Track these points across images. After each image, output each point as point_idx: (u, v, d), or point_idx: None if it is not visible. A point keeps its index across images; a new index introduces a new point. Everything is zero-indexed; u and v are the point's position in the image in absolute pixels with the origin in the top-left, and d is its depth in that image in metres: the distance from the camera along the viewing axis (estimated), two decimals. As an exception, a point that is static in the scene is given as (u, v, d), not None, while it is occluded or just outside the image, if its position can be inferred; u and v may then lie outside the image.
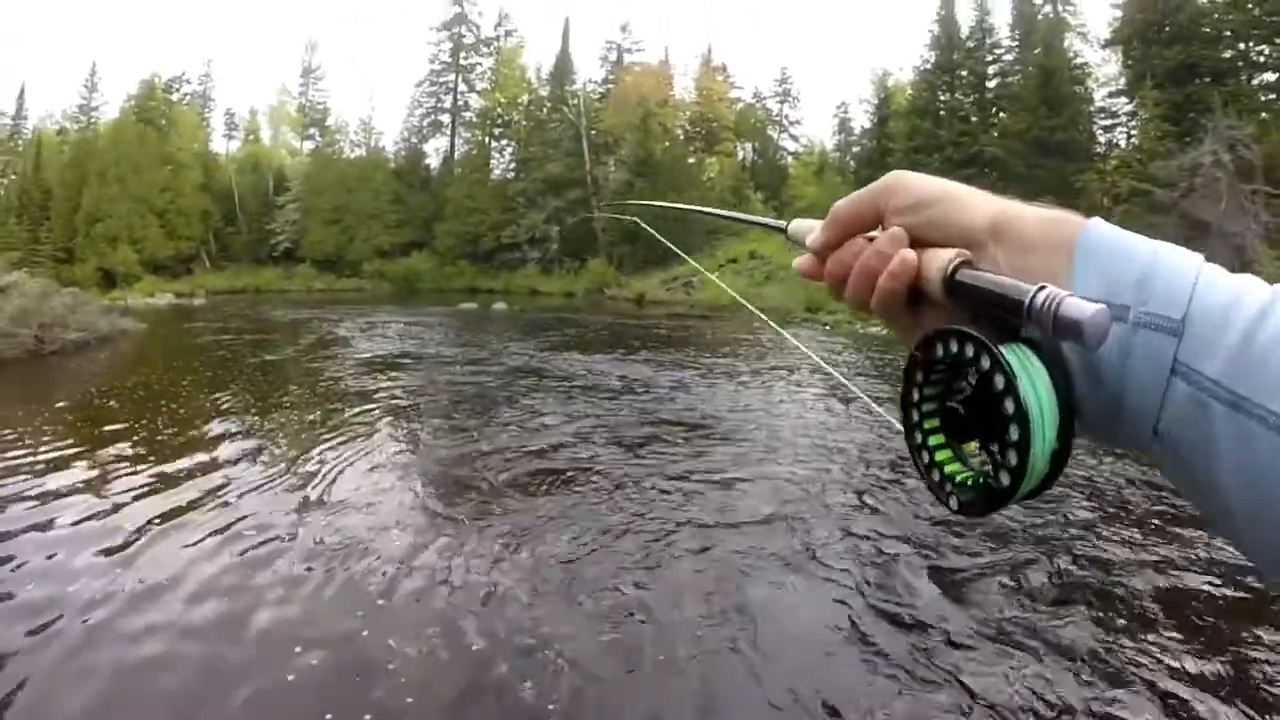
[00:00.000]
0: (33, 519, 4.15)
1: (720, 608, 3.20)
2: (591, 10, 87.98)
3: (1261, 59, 23.07)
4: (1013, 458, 0.36)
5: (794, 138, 49.09)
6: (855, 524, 4.19)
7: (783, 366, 10.34)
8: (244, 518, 4.17)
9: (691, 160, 42.53)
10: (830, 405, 7.57)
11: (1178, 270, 0.35)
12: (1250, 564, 0.35)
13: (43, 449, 5.59)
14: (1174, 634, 2.96)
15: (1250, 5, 22.42)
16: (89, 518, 4.17)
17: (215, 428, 6.50)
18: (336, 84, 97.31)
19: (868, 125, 38.53)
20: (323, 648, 2.82)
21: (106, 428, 6.42)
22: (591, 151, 40.67)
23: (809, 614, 3.20)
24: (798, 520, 4.22)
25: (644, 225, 1.57)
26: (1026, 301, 0.34)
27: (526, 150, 42.19)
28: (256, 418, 7.09)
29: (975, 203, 0.42)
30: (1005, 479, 0.37)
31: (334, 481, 4.87)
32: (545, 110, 44.05)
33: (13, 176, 44.61)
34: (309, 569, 3.50)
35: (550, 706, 2.52)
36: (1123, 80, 27.85)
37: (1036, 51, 29.23)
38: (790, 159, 47.62)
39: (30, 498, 4.50)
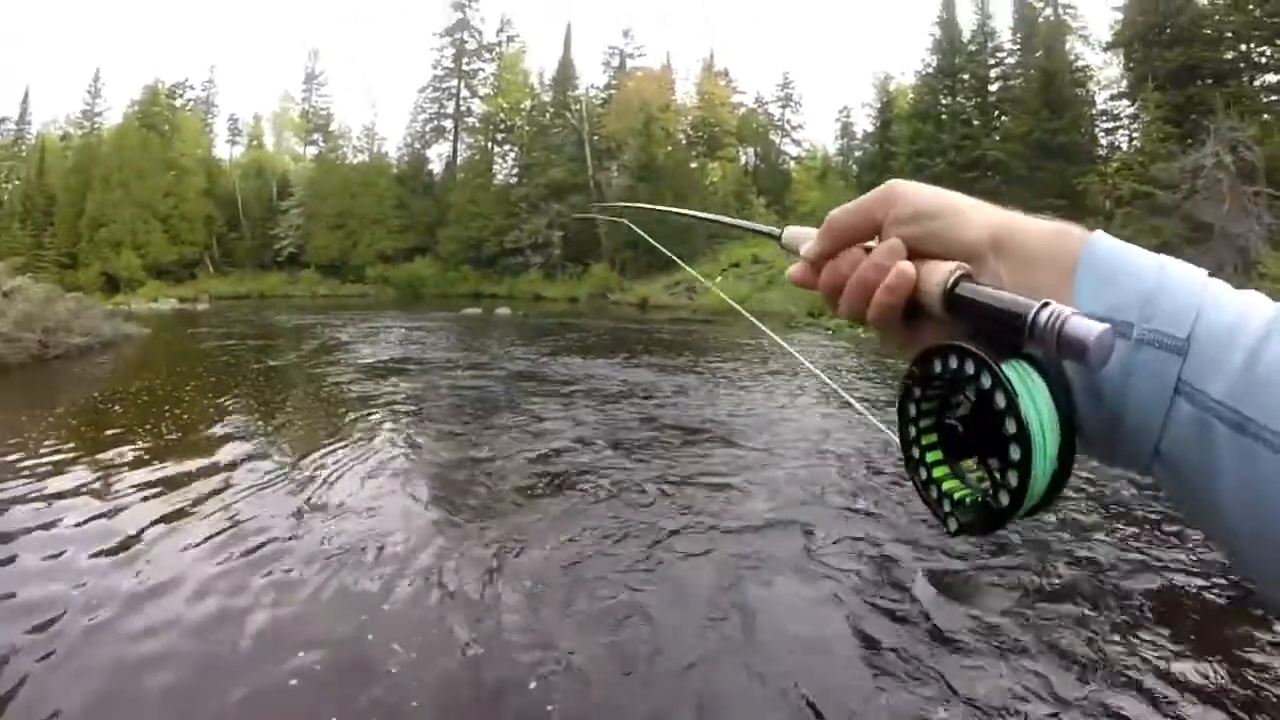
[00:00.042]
0: (36, 520, 4.17)
1: (721, 609, 3.19)
2: (593, 16, 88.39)
3: (1263, 60, 23.07)
4: (1013, 478, 0.35)
5: (796, 142, 49.21)
6: (855, 526, 4.19)
7: (784, 371, 10.33)
8: (246, 520, 4.18)
9: (694, 165, 42.55)
10: (830, 409, 7.57)
11: (1182, 287, 0.34)
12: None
13: (46, 453, 5.60)
14: (1171, 635, 2.96)
15: (1251, 7, 22.42)
16: (91, 519, 4.19)
17: (218, 432, 6.52)
18: (339, 90, 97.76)
19: (870, 129, 38.56)
20: (323, 648, 2.83)
21: (109, 432, 6.45)
22: (594, 156, 40.80)
23: (809, 615, 3.20)
24: (797, 523, 4.22)
25: (634, 228, 1.56)
26: (1029, 319, 0.34)
27: (529, 155, 42.26)
28: (259, 422, 7.11)
29: (975, 215, 0.41)
30: (1005, 499, 0.36)
31: (336, 485, 4.88)
32: (548, 115, 44.21)
33: (17, 181, 44.87)
34: (310, 571, 3.51)
35: (549, 707, 2.52)
36: (1124, 83, 27.86)
37: (1038, 54, 29.29)
38: (793, 164, 47.65)
39: (33, 500, 4.52)
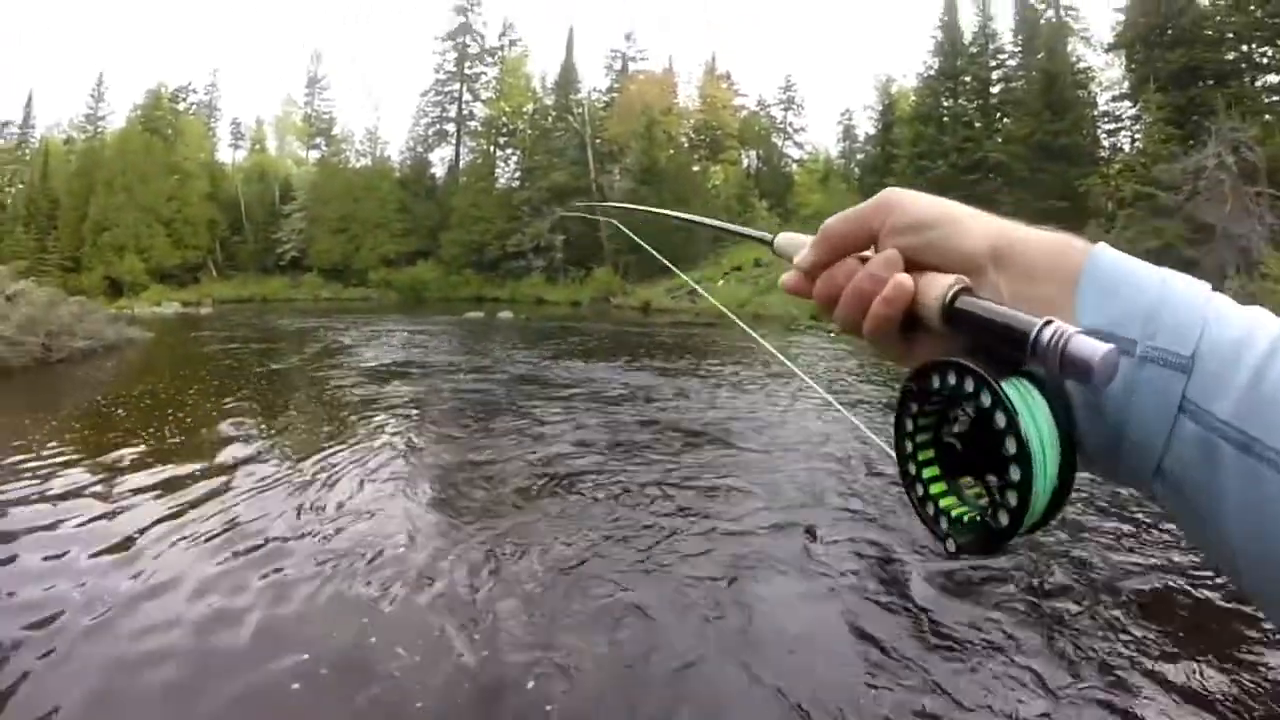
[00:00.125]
0: (38, 521, 4.19)
1: (720, 609, 3.20)
2: (596, 19, 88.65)
3: (1264, 61, 23.01)
4: (1012, 498, 0.35)
5: (798, 145, 49.19)
6: (853, 527, 4.20)
7: (783, 374, 10.33)
8: (247, 521, 4.20)
9: (696, 168, 42.61)
10: (830, 412, 7.57)
11: (1186, 303, 0.33)
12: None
13: (49, 455, 5.63)
14: (1167, 634, 2.96)
15: (1253, 8, 22.38)
16: (93, 520, 4.21)
17: (220, 435, 6.55)
18: (342, 94, 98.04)
19: (872, 132, 38.61)
20: (323, 648, 2.84)
21: (112, 435, 6.47)
22: (596, 160, 40.82)
23: (807, 614, 3.21)
24: (796, 524, 4.23)
25: (622, 228, 1.57)
26: (1032, 336, 0.33)
27: (531, 159, 42.31)
28: (261, 425, 7.13)
29: (975, 226, 0.39)
30: (1004, 519, 0.35)
31: (336, 487, 4.90)
32: (550, 119, 44.25)
33: (20, 186, 44.93)
34: (310, 571, 3.52)
35: (549, 707, 2.53)
36: (1126, 84, 27.81)
37: (1039, 56, 29.27)
38: (795, 166, 47.67)
39: (36, 501, 4.54)
